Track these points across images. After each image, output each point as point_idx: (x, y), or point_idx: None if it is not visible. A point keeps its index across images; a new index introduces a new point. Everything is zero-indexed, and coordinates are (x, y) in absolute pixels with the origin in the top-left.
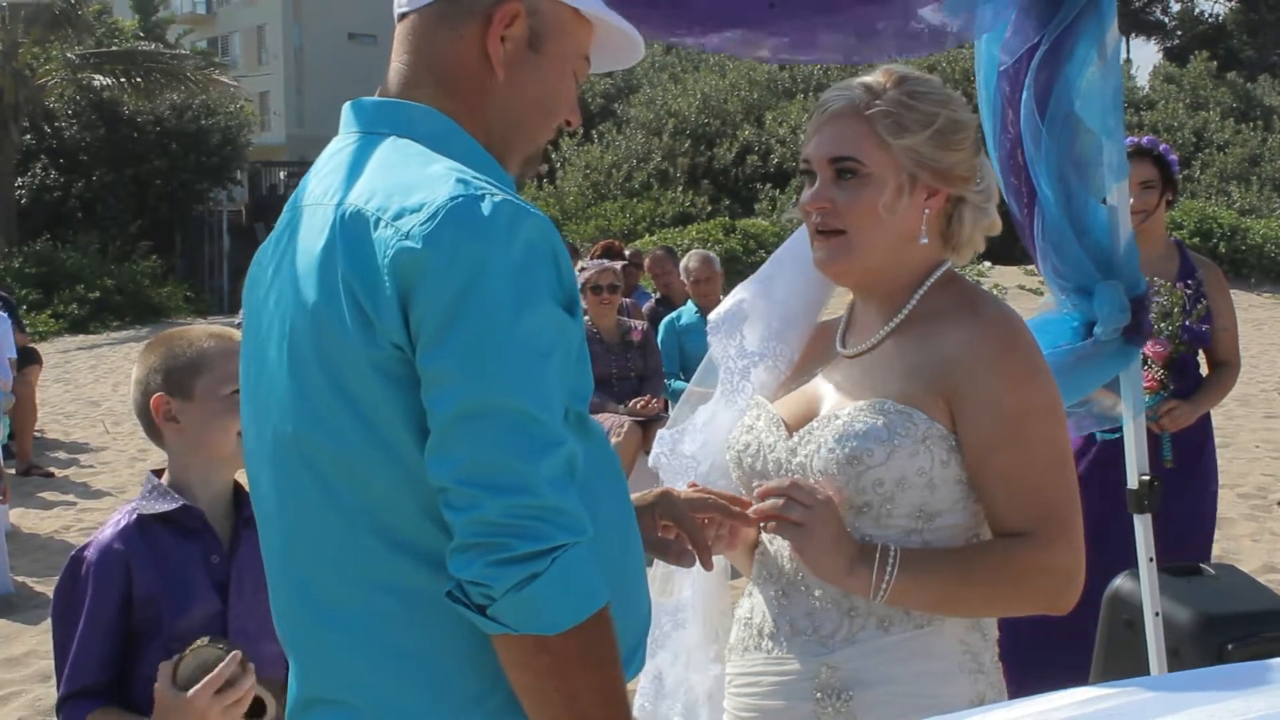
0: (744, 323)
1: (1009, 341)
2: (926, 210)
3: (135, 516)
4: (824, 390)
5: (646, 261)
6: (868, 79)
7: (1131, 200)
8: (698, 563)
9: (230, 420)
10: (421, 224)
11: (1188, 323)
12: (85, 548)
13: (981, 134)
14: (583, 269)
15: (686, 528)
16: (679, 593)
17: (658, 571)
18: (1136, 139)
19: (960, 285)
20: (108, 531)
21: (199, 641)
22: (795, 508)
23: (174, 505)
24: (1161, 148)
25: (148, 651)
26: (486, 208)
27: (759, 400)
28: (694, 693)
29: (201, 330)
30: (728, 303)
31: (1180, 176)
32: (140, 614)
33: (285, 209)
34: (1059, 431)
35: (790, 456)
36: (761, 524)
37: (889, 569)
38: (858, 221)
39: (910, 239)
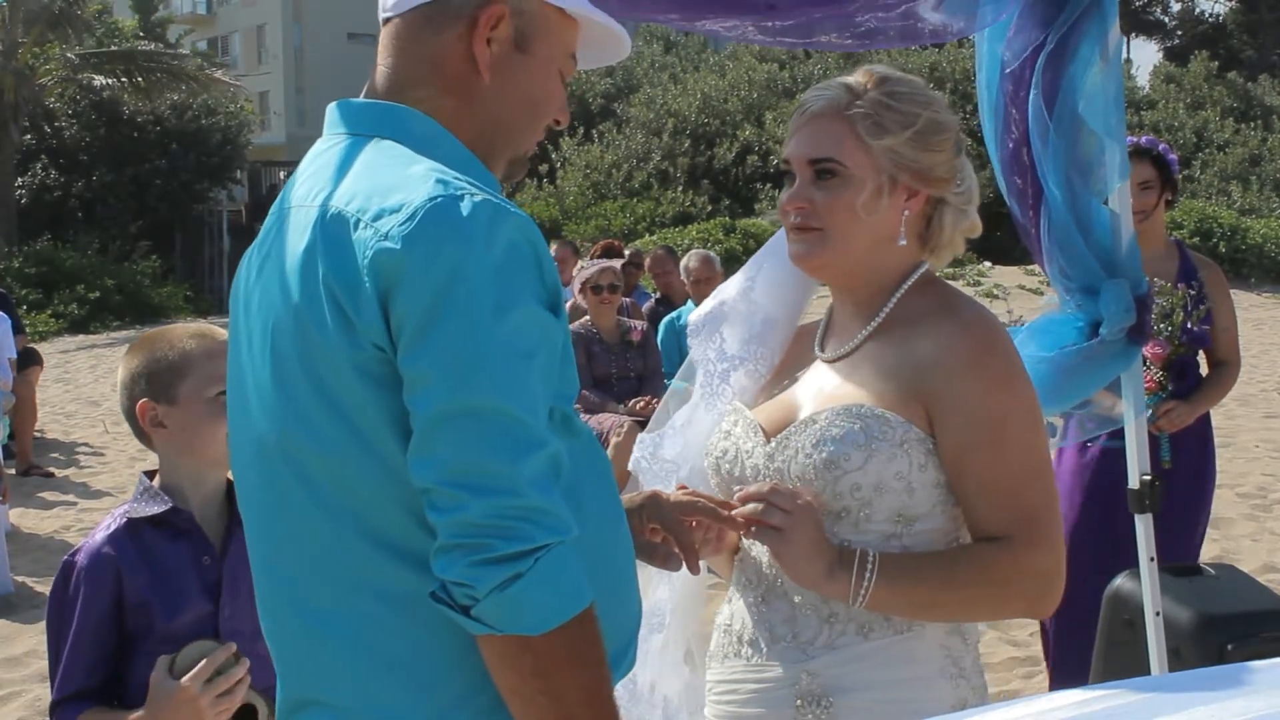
0: (724, 325)
1: (987, 345)
2: (906, 211)
3: (125, 520)
4: (802, 395)
5: (647, 261)
6: (849, 79)
7: (1131, 200)
8: (682, 567)
9: (217, 423)
10: (400, 224)
11: (1188, 325)
12: (76, 552)
13: (962, 136)
14: (582, 268)
15: (673, 531)
16: (654, 595)
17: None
18: (1136, 139)
19: (938, 287)
20: (98, 535)
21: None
22: (775, 513)
23: (163, 508)
24: (1161, 147)
25: (140, 655)
26: (466, 208)
27: (737, 406)
28: (669, 698)
29: (183, 330)
30: (708, 304)
31: (1180, 176)
32: (132, 617)
33: (271, 210)
34: (1037, 435)
35: (768, 462)
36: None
37: (868, 574)
38: (836, 221)
39: (889, 240)
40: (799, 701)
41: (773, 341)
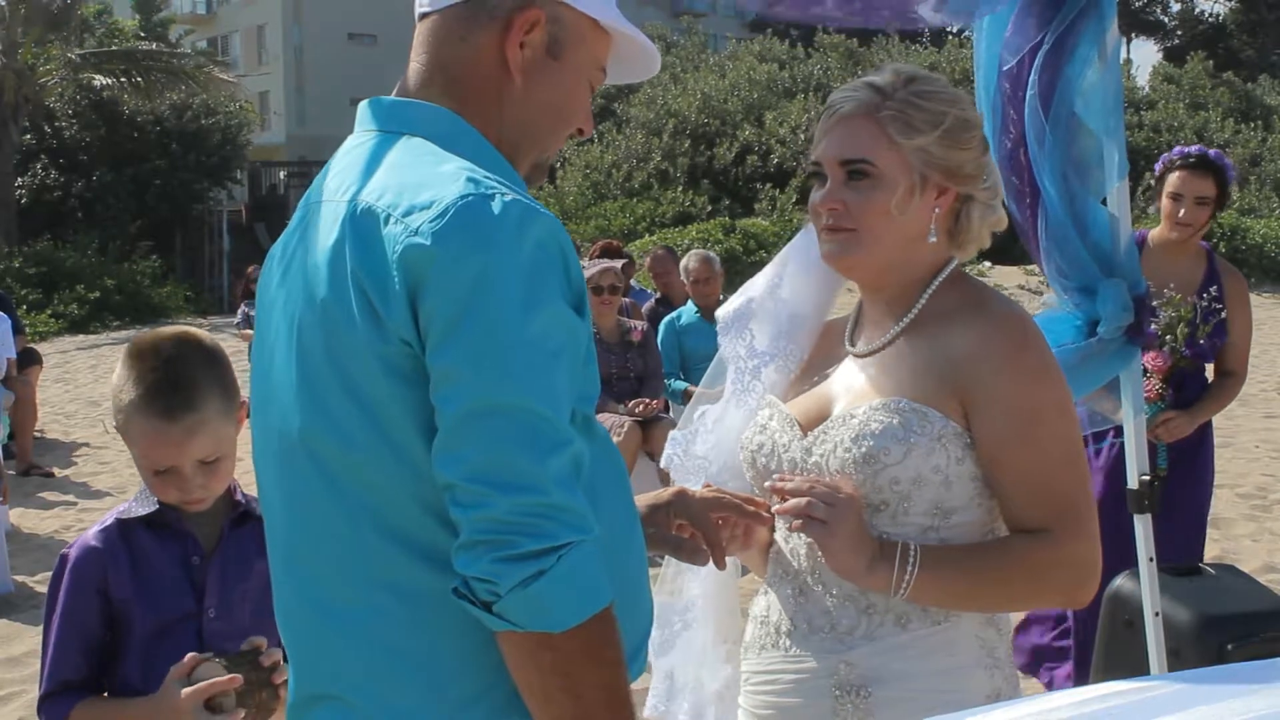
0: (753, 322)
1: (1020, 340)
2: (936, 209)
3: (116, 519)
4: (836, 389)
5: (647, 261)
6: (875, 79)
7: (1184, 213)
8: (710, 562)
9: (162, 490)
10: (430, 221)
11: (1196, 338)
12: (71, 546)
13: (985, 133)
14: (583, 269)
15: (701, 527)
16: (687, 592)
17: (666, 572)
18: (1205, 148)
19: (968, 283)
20: (91, 531)
21: (251, 643)
22: (819, 505)
23: (152, 508)
24: (1225, 162)
25: (124, 650)
26: (496, 206)
27: (771, 400)
28: (704, 692)
29: (142, 385)
30: (736, 302)
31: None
32: (116, 613)
33: (299, 205)
34: (1071, 427)
35: (805, 456)
36: (778, 522)
37: (910, 566)
38: (869, 222)
39: (920, 238)
40: (837, 692)
41: (801, 337)
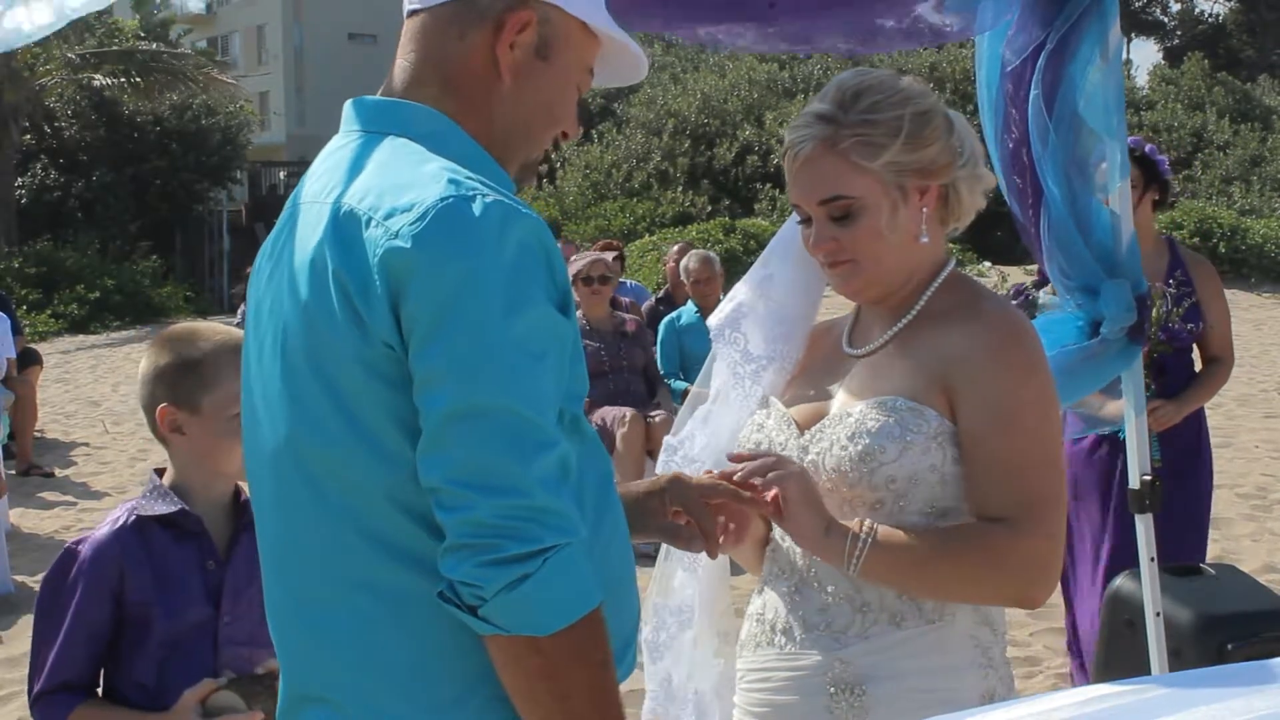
0: (745, 324)
1: (1011, 337)
2: (924, 209)
3: (134, 517)
4: (833, 389)
5: (674, 250)
6: (823, 108)
7: (1130, 200)
8: (700, 563)
9: (235, 440)
10: (411, 224)
11: (1168, 322)
12: (80, 542)
13: (944, 107)
14: (573, 261)
15: (696, 514)
16: (680, 592)
17: (659, 573)
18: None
19: (966, 285)
20: (105, 529)
21: (268, 667)
22: (771, 470)
23: (173, 508)
24: (1147, 148)
25: (137, 654)
26: (477, 208)
27: (768, 399)
28: (702, 693)
29: (215, 338)
30: (725, 307)
31: (1171, 176)
32: (131, 616)
33: (285, 207)
34: (1051, 427)
35: (801, 455)
36: (774, 519)
37: (863, 538)
38: (864, 249)
39: (914, 240)
40: (832, 689)
41: (796, 337)
